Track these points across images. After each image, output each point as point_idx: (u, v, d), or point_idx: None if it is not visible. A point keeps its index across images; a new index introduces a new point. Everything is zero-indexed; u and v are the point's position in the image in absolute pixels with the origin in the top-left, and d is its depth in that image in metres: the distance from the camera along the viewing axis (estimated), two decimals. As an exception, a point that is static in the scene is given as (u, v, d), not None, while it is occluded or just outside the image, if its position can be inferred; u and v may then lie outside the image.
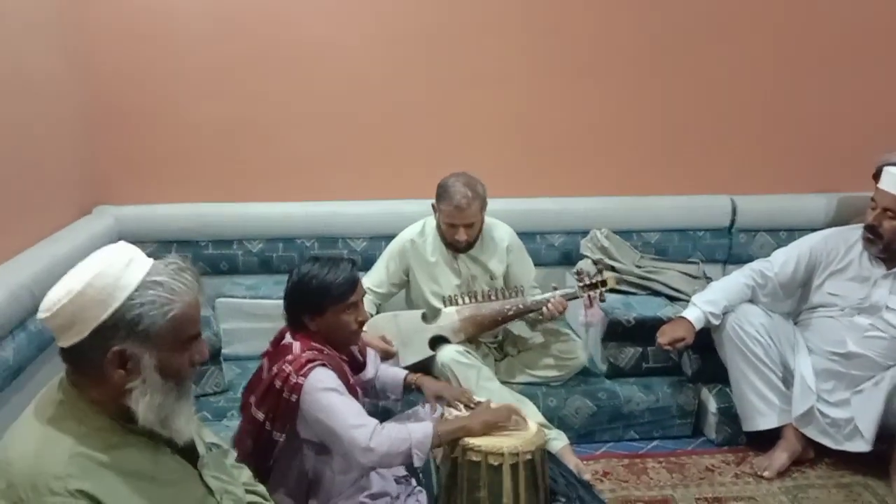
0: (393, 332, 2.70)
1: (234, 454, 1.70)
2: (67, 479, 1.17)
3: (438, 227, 2.81)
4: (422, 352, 2.70)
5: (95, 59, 3.04)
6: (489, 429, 2.06)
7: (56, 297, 1.24)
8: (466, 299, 2.74)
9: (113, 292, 1.23)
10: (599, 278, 2.73)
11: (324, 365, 1.97)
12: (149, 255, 1.32)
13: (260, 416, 2.00)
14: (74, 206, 2.99)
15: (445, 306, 2.75)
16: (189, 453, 1.41)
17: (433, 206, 2.77)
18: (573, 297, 2.73)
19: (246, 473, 1.68)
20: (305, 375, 1.93)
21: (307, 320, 2.06)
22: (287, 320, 2.10)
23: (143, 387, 1.26)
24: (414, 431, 1.94)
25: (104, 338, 1.23)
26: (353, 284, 2.05)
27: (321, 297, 2.02)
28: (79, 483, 1.17)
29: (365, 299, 2.74)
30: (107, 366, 1.24)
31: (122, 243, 1.32)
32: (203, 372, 2.69)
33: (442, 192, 2.71)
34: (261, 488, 1.67)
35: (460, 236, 2.71)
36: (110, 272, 1.24)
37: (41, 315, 1.25)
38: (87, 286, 1.22)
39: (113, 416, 1.28)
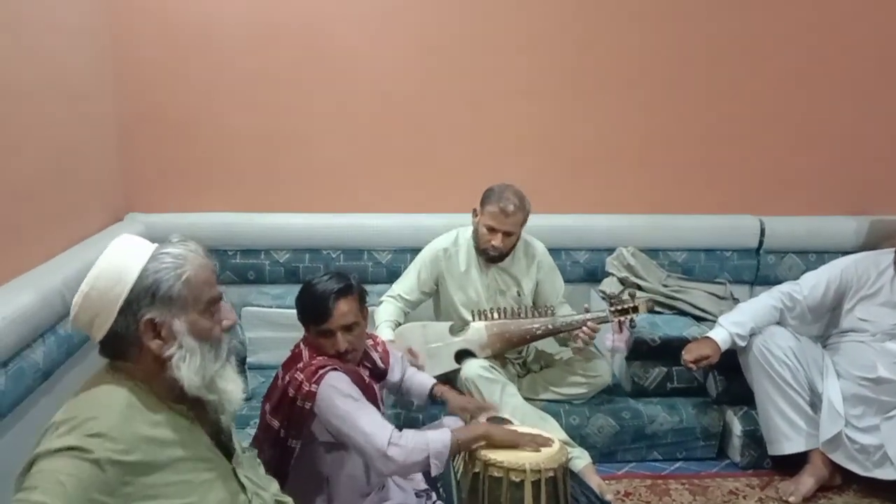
0: (420, 342, 2.71)
1: (261, 466, 1.71)
2: (107, 436, 1.20)
3: (475, 232, 2.81)
4: (447, 364, 2.70)
5: (130, 69, 3.10)
6: (510, 443, 2.04)
7: (80, 292, 1.32)
8: (496, 315, 2.74)
9: (126, 269, 1.31)
10: (631, 304, 2.69)
11: (335, 369, 1.97)
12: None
13: (275, 423, 2.01)
14: (107, 213, 3.04)
15: (475, 320, 2.74)
16: (225, 449, 1.45)
17: (475, 210, 2.78)
18: (604, 320, 2.70)
19: (275, 486, 1.69)
20: (318, 382, 1.93)
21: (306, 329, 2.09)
22: None
23: (181, 352, 1.31)
24: (433, 441, 1.91)
25: (132, 312, 1.29)
26: (323, 314, 1.99)
27: (299, 313, 2.06)
28: (115, 443, 1.21)
29: (394, 306, 2.80)
30: (143, 338, 1.30)
31: (123, 234, 1.40)
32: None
33: (490, 195, 2.72)
34: (288, 500, 1.67)
35: (496, 242, 2.71)
36: (118, 255, 1.33)
37: (73, 313, 1.32)
38: (101, 271, 1.31)
39: (161, 396, 1.33)
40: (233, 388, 1.39)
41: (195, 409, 1.39)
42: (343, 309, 2.00)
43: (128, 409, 1.26)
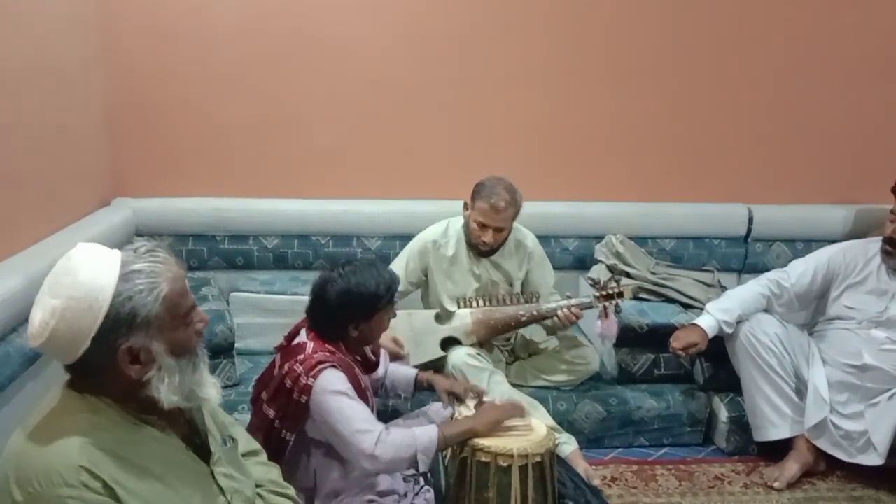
0: (406, 330, 2.70)
1: (264, 453, 1.71)
2: (80, 470, 1.16)
3: (465, 226, 2.79)
4: (433, 352, 2.70)
5: (119, 54, 3.07)
6: (495, 428, 2.06)
7: (42, 320, 1.20)
8: (480, 302, 2.73)
9: (97, 296, 1.20)
10: (616, 289, 2.69)
11: (334, 367, 1.97)
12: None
13: (271, 413, 2.01)
14: (94, 198, 3.02)
15: (459, 308, 2.75)
16: (202, 450, 1.40)
17: (466, 203, 2.76)
18: (588, 306, 2.71)
19: (276, 472, 1.68)
20: (315, 377, 1.93)
21: (351, 329, 2.06)
22: (324, 333, 2.07)
23: (161, 373, 1.26)
24: (419, 437, 1.93)
25: (108, 341, 1.21)
26: (397, 280, 2.17)
27: (378, 299, 2.05)
28: (91, 475, 1.16)
29: None
30: (120, 366, 1.23)
31: (79, 245, 1.28)
32: (216, 365, 2.70)
33: (481, 189, 2.68)
34: (290, 491, 1.66)
35: (487, 238, 2.69)
36: (85, 277, 1.21)
37: (35, 343, 1.21)
38: (69, 299, 1.19)
39: (129, 409, 1.27)
40: (212, 394, 1.35)
41: (166, 417, 1.33)
42: None
43: (85, 450, 1.18)
